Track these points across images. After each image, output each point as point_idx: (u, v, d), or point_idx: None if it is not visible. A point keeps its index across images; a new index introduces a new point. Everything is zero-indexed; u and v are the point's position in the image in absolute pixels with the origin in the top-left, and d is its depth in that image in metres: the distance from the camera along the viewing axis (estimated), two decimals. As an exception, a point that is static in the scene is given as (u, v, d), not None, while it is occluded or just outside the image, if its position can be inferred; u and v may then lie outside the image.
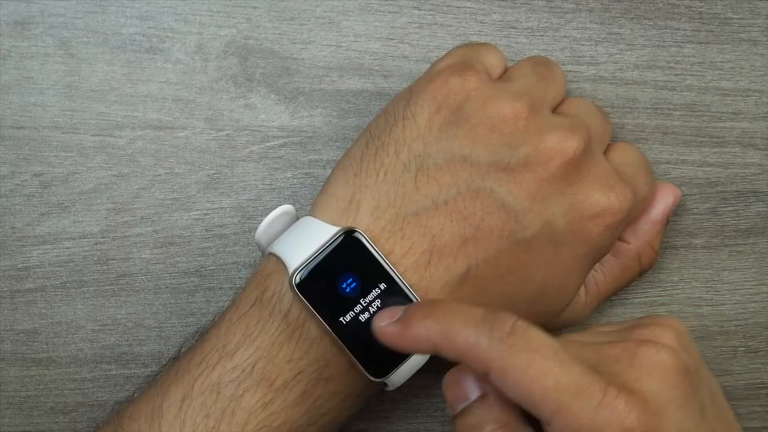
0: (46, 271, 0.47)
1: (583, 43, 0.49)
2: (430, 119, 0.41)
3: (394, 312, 0.36)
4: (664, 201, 0.46)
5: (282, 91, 0.48)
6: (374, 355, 0.39)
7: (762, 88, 0.49)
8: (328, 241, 0.39)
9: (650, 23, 0.49)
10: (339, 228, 0.40)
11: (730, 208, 0.49)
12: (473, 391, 0.35)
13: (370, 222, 0.40)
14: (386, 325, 0.36)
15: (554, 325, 0.44)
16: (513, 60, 0.48)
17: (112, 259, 0.47)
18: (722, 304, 0.49)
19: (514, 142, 0.41)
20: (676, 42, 0.49)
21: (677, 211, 0.48)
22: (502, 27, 0.48)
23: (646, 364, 0.33)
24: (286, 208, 0.42)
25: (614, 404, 0.31)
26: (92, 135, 0.47)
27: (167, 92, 0.48)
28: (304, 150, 0.48)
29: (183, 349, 0.42)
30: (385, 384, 0.40)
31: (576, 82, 0.48)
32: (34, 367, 0.47)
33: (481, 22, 0.48)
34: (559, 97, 0.44)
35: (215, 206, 0.48)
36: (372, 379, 0.39)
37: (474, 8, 0.48)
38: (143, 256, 0.47)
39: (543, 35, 0.48)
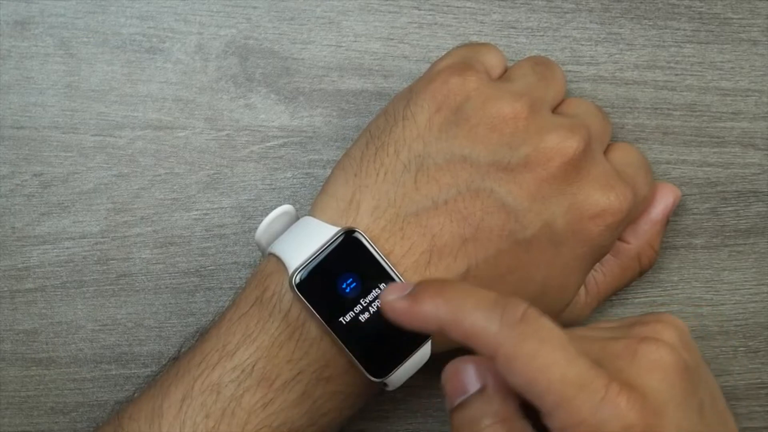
0: (46, 271, 0.47)
1: (583, 43, 0.49)
2: (430, 119, 0.41)
3: (404, 287, 0.35)
4: (664, 201, 0.46)
5: (282, 91, 0.48)
6: (374, 356, 0.39)
7: (762, 88, 0.49)
8: (328, 241, 0.39)
9: (650, 23, 0.49)
10: (339, 228, 0.40)
11: (730, 208, 0.49)
12: (472, 384, 0.34)
13: (370, 222, 0.40)
14: (394, 299, 0.34)
15: (554, 325, 0.44)
16: (513, 60, 0.48)
17: (112, 259, 0.47)
18: (722, 304, 0.49)
19: (514, 142, 0.41)
20: (676, 42, 0.49)
21: (677, 211, 0.48)
22: (502, 27, 0.48)
23: (646, 362, 0.33)
24: (286, 208, 0.42)
25: (616, 401, 0.31)
26: (92, 135, 0.47)
27: (167, 92, 0.48)
28: (304, 150, 0.48)
29: (183, 349, 0.42)
30: (385, 384, 0.40)
31: (576, 82, 0.48)
32: (34, 367, 0.47)
33: (481, 22, 0.48)
34: (559, 97, 0.44)
35: (215, 206, 0.48)
36: (372, 379, 0.39)
37: (474, 8, 0.48)
38: (143, 256, 0.47)
39: (543, 35, 0.48)
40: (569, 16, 0.49)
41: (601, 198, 0.41)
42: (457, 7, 0.48)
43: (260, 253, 0.46)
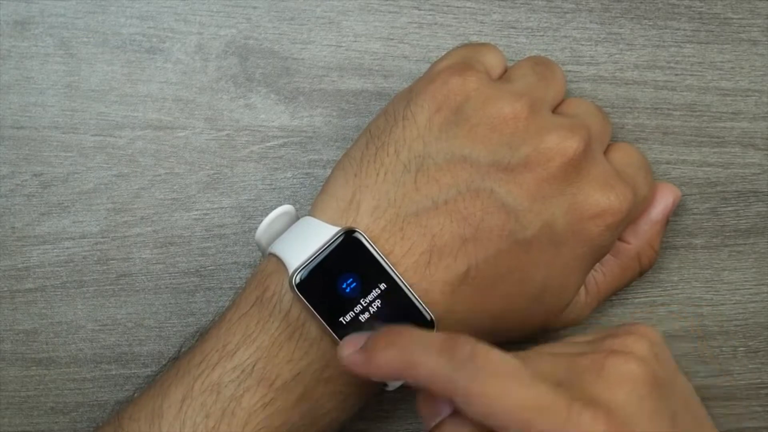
0: (46, 271, 0.47)
1: (583, 43, 0.49)
2: (430, 119, 0.41)
3: (357, 341, 0.36)
4: (664, 201, 0.46)
5: (282, 91, 0.48)
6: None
7: (762, 88, 0.49)
8: (328, 241, 0.39)
9: (650, 23, 0.49)
10: (339, 228, 0.40)
11: (730, 208, 0.49)
12: (445, 409, 0.35)
13: (370, 222, 0.40)
14: (350, 354, 0.36)
15: (554, 325, 0.44)
16: (513, 60, 0.48)
17: (112, 259, 0.47)
18: (722, 304, 0.49)
19: (514, 142, 0.41)
20: (676, 42, 0.49)
21: (677, 211, 0.48)
22: (502, 27, 0.48)
23: (614, 375, 0.33)
24: (286, 208, 0.42)
25: (580, 419, 0.31)
26: (92, 135, 0.47)
27: (167, 92, 0.48)
28: (304, 150, 0.48)
29: (183, 349, 0.42)
30: (385, 384, 0.40)
31: (576, 82, 0.48)
32: (34, 367, 0.47)
33: (481, 22, 0.48)
34: (559, 97, 0.44)
35: (215, 206, 0.48)
36: (372, 379, 0.39)
37: (474, 8, 0.48)
38: (143, 256, 0.47)
39: (543, 35, 0.48)
40: (569, 16, 0.49)
41: (601, 198, 0.41)
42: (457, 7, 0.48)
43: (260, 253, 0.46)
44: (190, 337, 0.45)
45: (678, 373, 0.36)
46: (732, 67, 0.49)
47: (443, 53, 0.45)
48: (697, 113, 0.49)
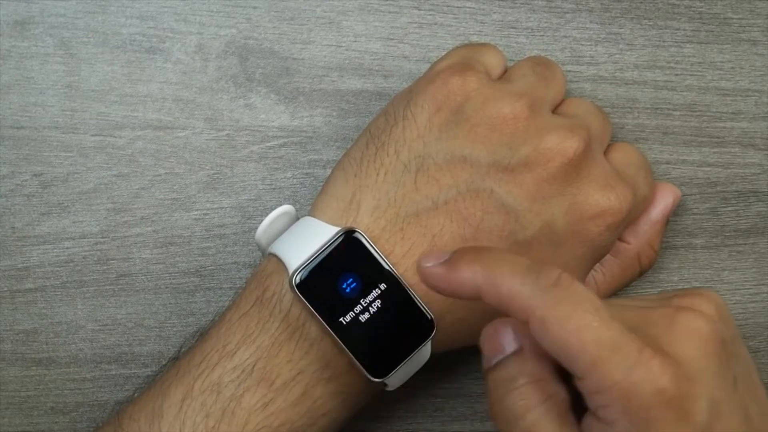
0: (46, 271, 0.47)
1: (583, 43, 0.49)
2: (430, 119, 0.41)
3: (440, 255, 0.35)
4: (664, 201, 0.46)
5: (282, 91, 0.48)
6: (374, 356, 0.39)
7: (762, 88, 0.49)
8: (329, 241, 0.39)
9: (650, 23, 0.49)
10: (339, 228, 0.40)
11: (730, 208, 0.49)
12: (509, 345, 0.34)
13: (370, 222, 0.40)
14: (432, 265, 0.35)
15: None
16: (513, 60, 0.48)
17: (112, 259, 0.47)
18: (722, 304, 0.48)
19: (514, 142, 0.41)
20: (676, 42, 0.49)
21: (677, 211, 0.48)
22: (502, 27, 0.48)
23: (683, 330, 0.33)
24: (286, 208, 0.42)
25: (649, 364, 0.31)
26: (92, 135, 0.47)
27: (167, 92, 0.48)
28: (304, 150, 0.48)
29: (183, 349, 0.42)
30: (385, 384, 0.40)
31: (576, 82, 0.48)
32: (34, 367, 0.47)
33: (481, 22, 0.48)
34: (559, 97, 0.44)
35: (215, 206, 0.48)
36: (372, 379, 0.39)
37: (474, 8, 0.48)
38: (143, 256, 0.47)
39: (543, 35, 0.48)
40: (569, 16, 0.49)
41: (601, 198, 0.41)
42: (457, 7, 0.48)
43: (260, 253, 0.46)
44: (190, 337, 0.45)
45: (740, 339, 0.36)
46: (732, 67, 0.49)
47: (443, 53, 0.45)
48: (697, 113, 0.49)
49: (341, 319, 0.39)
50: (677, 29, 0.49)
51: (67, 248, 0.47)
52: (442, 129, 0.41)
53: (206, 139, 0.48)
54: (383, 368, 0.39)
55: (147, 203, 0.47)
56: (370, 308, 0.39)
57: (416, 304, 0.39)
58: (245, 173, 0.48)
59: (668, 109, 0.49)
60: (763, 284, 0.49)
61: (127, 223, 0.47)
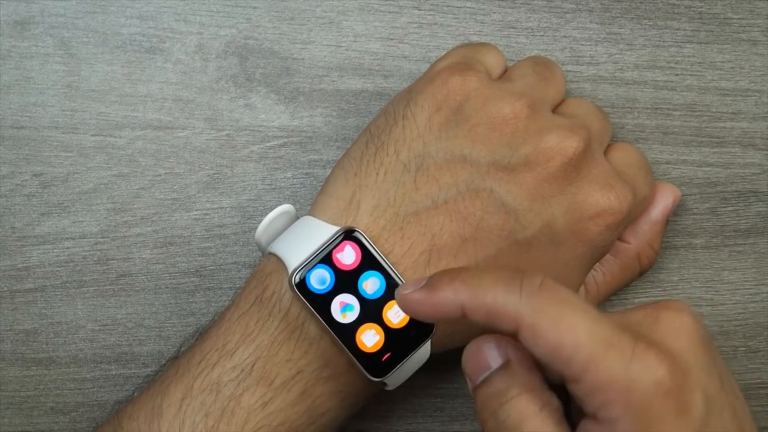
0: (46, 271, 0.47)
1: (583, 43, 0.49)
2: (430, 119, 0.41)
3: (417, 281, 0.34)
4: (664, 201, 0.46)
5: (282, 91, 0.48)
6: (374, 355, 0.39)
7: (762, 88, 0.49)
8: (328, 240, 0.39)
9: (650, 23, 0.49)
10: (339, 227, 0.40)
11: (730, 208, 0.49)
12: (495, 360, 0.34)
13: (369, 222, 0.40)
14: (411, 292, 0.34)
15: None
16: (513, 60, 0.48)
17: (112, 259, 0.47)
18: (722, 304, 0.48)
19: (514, 141, 0.41)
20: (676, 42, 0.49)
21: (677, 211, 0.48)
22: (502, 27, 0.48)
23: (669, 326, 0.33)
24: (286, 207, 0.42)
25: (646, 357, 0.31)
26: (92, 135, 0.47)
27: (167, 92, 0.48)
28: (304, 150, 0.48)
29: (183, 349, 0.42)
30: (385, 384, 0.40)
31: (576, 82, 0.48)
32: (34, 367, 0.47)
33: (481, 22, 0.48)
34: (559, 97, 0.44)
35: (215, 206, 0.48)
36: (371, 378, 0.39)
37: (474, 8, 0.48)
38: (143, 256, 0.47)
39: (543, 35, 0.48)
40: (569, 16, 0.49)
41: (601, 198, 0.41)
42: (457, 7, 0.48)
43: (260, 253, 0.46)
44: (189, 336, 0.45)
45: (715, 346, 0.36)
46: (732, 67, 0.49)
47: (443, 53, 0.45)
48: (697, 113, 0.49)
49: (340, 318, 0.39)
50: (677, 29, 0.49)
51: (67, 248, 0.47)
52: (442, 128, 0.41)
53: (206, 139, 0.48)
54: (382, 368, 0.39)
55: (147, 203, 0.47)
56: (370, 308, 0.39)
57: (416, 303, 0.39)
58: (245, 173, 0.48)
59: (668, 109, 0.49)
60: (763, 284, 0.49)
61: (127, 223, 0.47)
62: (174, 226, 0.47)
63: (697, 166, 0.49)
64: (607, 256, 0.45)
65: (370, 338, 0.39)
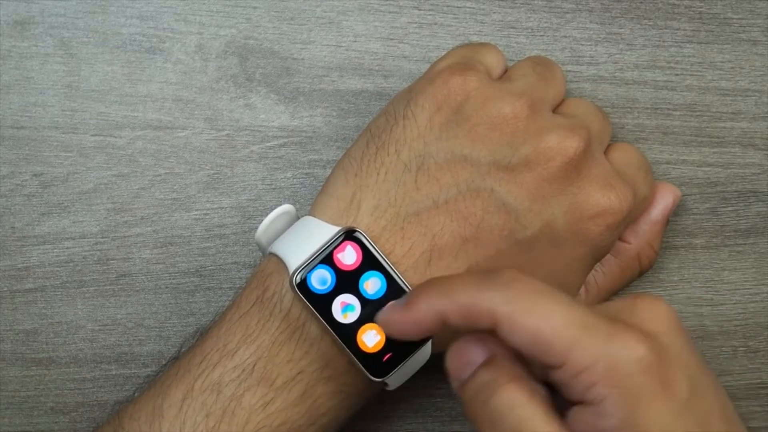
0: (46, 271, 0.47)
1: (583, 43, 0.49)
2: (430, 119, 0.41)
3: (394, 304, 0.36)
4: (664, 201, 0.46)
5: (282, 91, 0.48)
6: (374, 355, 0.39)
7: (762, 88, 0.49)
8: (329, 240, 0.39)
9: (650, 23, 0.49)
10: (339, 228, 0.40)
11: (730, 208, 0.49)
12: (480, 355, 0.34)
13: (370, 222, 0.40)
14: (389, 313, 0.35)
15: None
16: (513, 60, 0.48)
17: (112, 259, 0.47)
18: (722, 304, 0.49)
19: (514, 141, 0.41)
20: (676, 42, 0.49)
21: (677, 211, 0.48)
22: (502, 27, 0.48)
23: (647, 312, 0.33)
24: (286, 207, 0.42)
25: (625, 337, 0.31)
26: (92, 135, 0.47)
27: (167, 92, 0.48)
28: (304, 150, 0.48)
29: (183, 349, 0.42)
30: (385, 384, 0.40)
31: (576, 82, 0.48)
32: (34, 367, 0.47)
33: (481, 22, 0.48)
34: (559, 97, 0.44)
35: (215, 206, 0.48)
36: (372, 379, 0.39)
37: (474, 8, 0.48)
38: (143, 256, 0.47)
39: (543, 35, 0.49)
40: (569, 16, 0.49)
41: (601, 198, 0.41)
42: (457, 7, 0.48)
43: (260, 253, 0.46)
44: (190, 337, 0.45)
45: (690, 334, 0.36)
46: (732, 67, 0.49)
47: (443, 53, 0.45)
48: (697, 113, 0.49)
49: (341, 318, 0.39)
50: (677, 29, 0.49)
51: (67, 248, 0.47)
52: (442, 128, 0.41)
53: (206, 139, 0.48)
54: (383, 368, 0.39)
55: (147, 203, 0.47)
56: (371, 308, 0.39)
57: (416, 303, 0.39)
58: (245, 173, 0.48)
59: (668, 109, 0.49)
60: (763, 284, 0.49)
61: (127, 223, 0.47)
62: (174, 226, 0.47)
63: (697, 166, 0.49)
64: (608, 256, 0.45)
65: (371, 338, 0.39)
